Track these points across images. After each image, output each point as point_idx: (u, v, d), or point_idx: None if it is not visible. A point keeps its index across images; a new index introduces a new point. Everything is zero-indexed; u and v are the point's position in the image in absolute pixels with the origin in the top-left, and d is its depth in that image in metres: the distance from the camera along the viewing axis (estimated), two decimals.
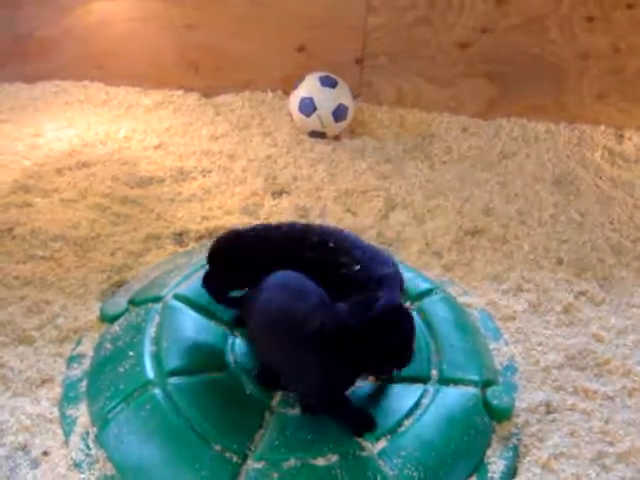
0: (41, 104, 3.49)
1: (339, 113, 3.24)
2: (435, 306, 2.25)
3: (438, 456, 1.84)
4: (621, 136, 3.47)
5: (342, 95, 3.28)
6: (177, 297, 2.17)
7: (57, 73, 3.64)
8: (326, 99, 3.23)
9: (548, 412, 2.08)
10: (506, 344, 2.30)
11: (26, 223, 2.66)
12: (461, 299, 2.41)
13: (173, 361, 1.97)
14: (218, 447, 1.79)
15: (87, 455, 1.88)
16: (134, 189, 2.88)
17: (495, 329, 2.35)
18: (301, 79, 3.33)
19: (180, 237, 2.65)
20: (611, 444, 2.00)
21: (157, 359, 1.98)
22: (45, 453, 1.92)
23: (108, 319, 2.22)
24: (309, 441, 1.82)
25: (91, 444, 1.90)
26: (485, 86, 3.49)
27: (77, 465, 1.86)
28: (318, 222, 2.64)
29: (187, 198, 2.85)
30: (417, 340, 2.10)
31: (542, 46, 3.40)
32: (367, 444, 1.84)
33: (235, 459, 1.78)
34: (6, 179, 2.92)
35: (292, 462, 1.77)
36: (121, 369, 1.99)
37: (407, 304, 2.23)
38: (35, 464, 1.89)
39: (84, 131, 3.28)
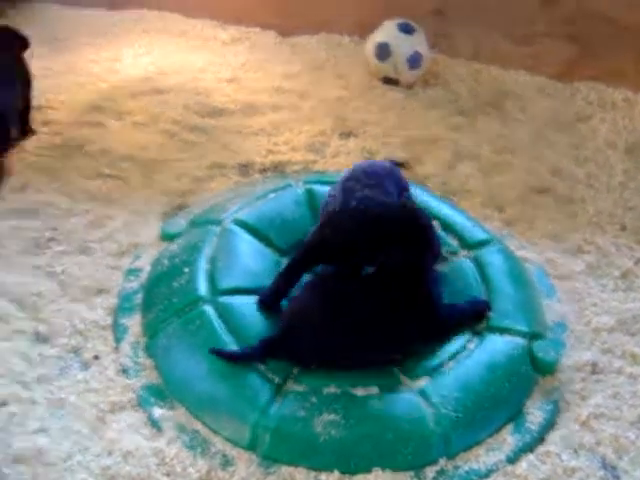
0: (121, 31, 3.56)
1: (414, 61, 3.21)
2: (491, 256, 2.24)
3: (477, 399, 1.84)
4: None
5: (419, 43, 3.24)
6: (236, 222, 2.20)
7: (138, 2, 3.68)
8: (402, 45, 3.20)
9: (593, 372, 2.06)
10: (559, 302, 2.27)
11: (97, 142, 2.75)
12: (518, 253, 2.39)
13: (226, 281, 2.01)
14: (262, 366, 1.83)
15: (135, 363, 1.95)
16: (204, 118, 2.92)
17: (550, 286, 2.33)
18: (379, 25, 3.30)
19: (245, 168, 2.67)
20: None
21: (211, 278, 2.02)
22: (96, 357, 1.99)
23: (167, 237, 2.28)
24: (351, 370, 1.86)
25: (140, 353, 1.97)
26: (565, 47, 3.40)
27: (125, 371, 1.94)
28: None
29: (255, 131, 2.88)
30: (469, 286, 2.13)
31: (626, 10, 3.29)
32: (408, 380, 1.86)
33: (277, 380, 1.82)
34: (82, 99, 3.00)
35: (332, 389, 1.80)
36: (176, 284, 2.04)
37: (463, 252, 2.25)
38: (85, 366, 1.97)
39: (160, 59, 3.32)
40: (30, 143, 2.75)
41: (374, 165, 2.26)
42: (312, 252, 2.01)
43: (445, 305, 1.98)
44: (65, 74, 3.19)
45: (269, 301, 1.97)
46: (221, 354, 1.84)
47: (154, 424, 1.82)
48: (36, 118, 2.86)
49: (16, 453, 1.77)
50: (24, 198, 2.50)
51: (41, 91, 2.96)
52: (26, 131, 2.76)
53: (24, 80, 2.72)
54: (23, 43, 2.75)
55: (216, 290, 1.99)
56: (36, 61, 2.97)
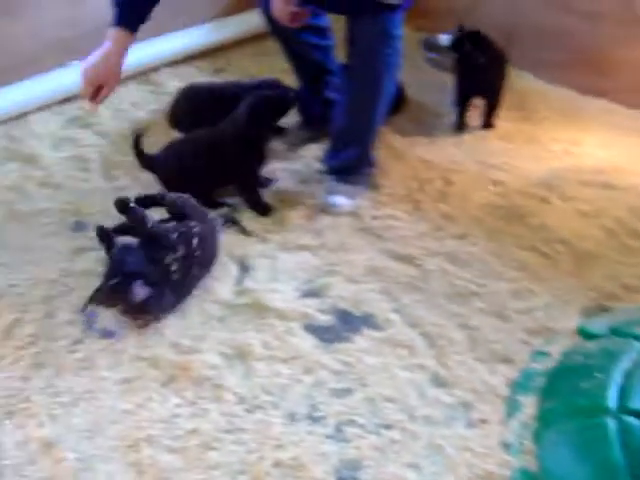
0: (586, 117, 3.56)
1: None
2: None
3: None
4: None
5: None
6: None
7: (610, 94, 3.68)
8: None
9: None
10: None
11: (538, 216, 2.81)
12: None
13: (637, 402, 1.94)
14: None
15: (519, 443, 1.97)
16: None
17: None
18: None
19: None
20: None
21: (623, 392, 1.95)
22: (483, 420, 2.05)
23: (585, 334, 2.26)
24: None
25: (527, 435, 1.99)
26: None
27: (507, 446, 1.97)
28: None
29: None
30: None
31: None
32: None
33: None
34: (534, 171, 3.09)
35: None
36: (584, 385, 2.01)
37: None
38: (470, 425, 2.04)
39: (618, 156, 3.27)
40: (476, 200, 2.90)
41: None
42: None
43: None
44: (524, 143, 3.31)
45: None
46: None
47: None
48: (489, 175, 3.03)
49: (388, 477, 1.89)
50: (460, 247, 2.65)
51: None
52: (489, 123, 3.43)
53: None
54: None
55: (624, 407, 1.91)
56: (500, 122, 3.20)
